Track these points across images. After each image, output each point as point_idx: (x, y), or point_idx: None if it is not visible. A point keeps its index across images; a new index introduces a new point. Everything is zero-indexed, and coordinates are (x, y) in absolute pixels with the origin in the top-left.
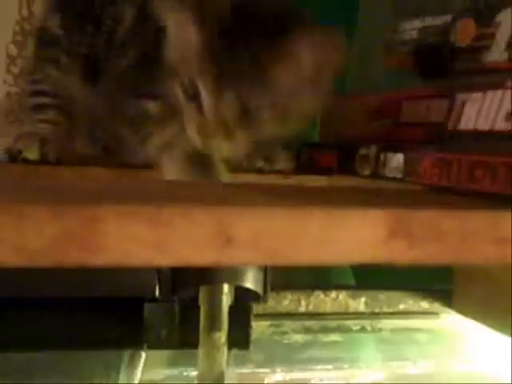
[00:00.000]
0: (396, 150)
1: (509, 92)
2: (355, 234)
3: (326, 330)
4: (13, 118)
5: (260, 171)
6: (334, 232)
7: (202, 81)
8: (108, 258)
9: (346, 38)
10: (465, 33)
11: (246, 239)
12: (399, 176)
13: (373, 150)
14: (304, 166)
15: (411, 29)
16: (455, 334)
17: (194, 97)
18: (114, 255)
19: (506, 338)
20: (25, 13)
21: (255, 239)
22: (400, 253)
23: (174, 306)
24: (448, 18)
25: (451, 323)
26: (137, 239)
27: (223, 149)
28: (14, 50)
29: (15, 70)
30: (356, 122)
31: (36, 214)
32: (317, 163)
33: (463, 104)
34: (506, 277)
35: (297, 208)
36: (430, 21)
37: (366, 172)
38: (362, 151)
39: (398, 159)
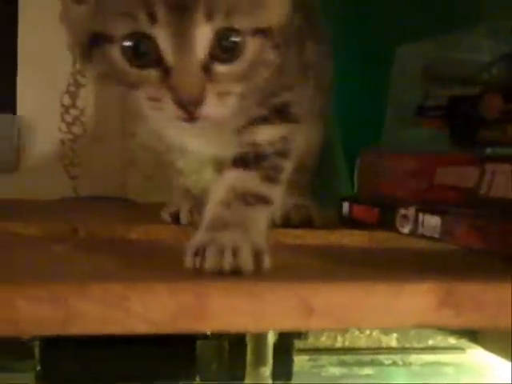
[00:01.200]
0: (433, 212)
1: None
2: (410, 304)
3: (361, 364)
4: (67, 162)
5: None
6: (392, 302)
7: None
8: (213, 326)
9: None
10: (492, 106)
11: (323, 310)
12: (436, 236)
13: (411, 210)
14: (344, 219)
15: (442, 96)
16: (480, 368)
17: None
18: (217, 323)
19: None
20: (78, 65)
21: (330, 309)
22: (448, 320)
23: (223, 343)
24: (476, 89)
25: (477, 358)
26: (236, 310)
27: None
28: (67, 100)
29: (68, 119)
30: (392, 178)
31: (158, 290)
32: (356, 217)
33: (493, 173)
34: None
35: (363, 281)
36: (459, 90)
37: (406, 230)
38: (402, 211)
39: (435, 221)
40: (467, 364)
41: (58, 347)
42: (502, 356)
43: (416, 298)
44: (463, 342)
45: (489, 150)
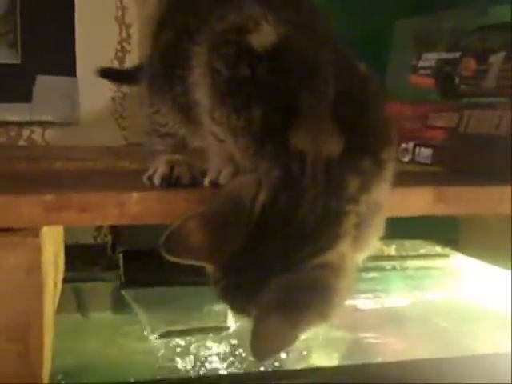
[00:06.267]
0: (426, 146)
1: (494, 113)
2: (419, 200)
3: (367, 269)
4: (117, 116)
5: None
6: (407, 199)
7: None
8: None
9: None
10: (468, 67)
11: None
12: (428, 162)
13: (410, 145)
14: None
15: (431, 59)
16: (460, 271)
17: None
18: None
19: (499, 271)
20: (124, 34)
21: None
22: (440, 210)
23: None
24: (457, 54)
25: (457, 262)
26: None
27: None
28: (116, 64)
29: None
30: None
31: None
32: None
33: (469, 116)
34: (498, 225)
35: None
36: (444, 55)
37: (406, 159)
38: (403, 145)
39: (428, 151)
40: (450, 267)
41: (137, 258)
42: (478, 259)
43: (422, 196)
44: (447, 250)
45: (466, 100)
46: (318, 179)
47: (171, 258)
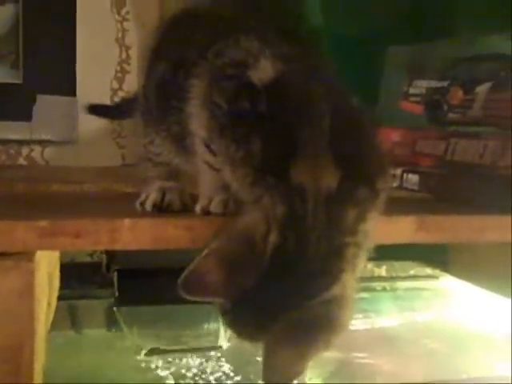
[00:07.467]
0: (414, 172)
1: (479, 142)
2: (401, 227)
3: (357, 290)
4: (115, 136)
5: None
6: (389, 226)
7: None
8: None
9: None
10: (455, 96)
11: None
12: (416, 188)
13: (398, 171)
14: None
15: (421, 86)
16: (450, 292)
17: None
18: None
19: (488, 294)
20: (124, 56)
21: None
22: (422, 238)
23: None
24: (445, 83)
25: (447, 284)
26: None
27: None
28: (116, 85)
29: (117, 100)
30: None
31: None
32: None
33: (455, 144)
34: (487, 248)
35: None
36: (433, 83)
37: (394, 185)
38: (392, 171)
39: (415, 178)
40: (439, 289)
41: (132, 277)
42: (467, 281)
43: (405, 225)
44: (437, 272)
45: (452, 129)
46: (319, 216)
47: (189, 297)
